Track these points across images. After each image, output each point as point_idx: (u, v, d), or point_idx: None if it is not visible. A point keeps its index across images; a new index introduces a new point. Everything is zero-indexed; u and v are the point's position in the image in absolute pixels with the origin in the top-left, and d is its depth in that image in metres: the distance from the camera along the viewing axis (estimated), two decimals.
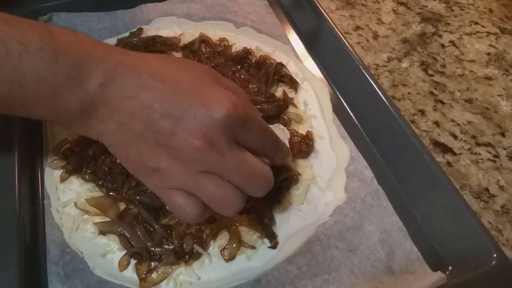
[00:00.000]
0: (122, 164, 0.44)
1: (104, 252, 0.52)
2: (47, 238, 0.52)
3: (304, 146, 0.63)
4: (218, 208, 0.41)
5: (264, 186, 0.44)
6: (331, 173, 0.61)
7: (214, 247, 0.53)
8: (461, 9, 0.93)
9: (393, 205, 0.57)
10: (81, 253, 0.52)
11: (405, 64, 0.80)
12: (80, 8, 0.78)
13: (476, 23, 0.90)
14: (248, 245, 0.53)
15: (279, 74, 0.71)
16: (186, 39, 0.76)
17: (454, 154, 0.67)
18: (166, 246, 0.52)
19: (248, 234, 0.54)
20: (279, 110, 0.66)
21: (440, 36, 0.86)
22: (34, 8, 0.76)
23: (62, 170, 0.58)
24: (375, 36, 0.85)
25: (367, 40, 0.84)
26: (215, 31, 0.78)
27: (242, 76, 0.70)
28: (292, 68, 0.73)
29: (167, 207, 0.47)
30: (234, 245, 0.53)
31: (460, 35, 0.87)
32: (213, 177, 0.40)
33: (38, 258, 0.51)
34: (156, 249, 0.52)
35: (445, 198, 0.56)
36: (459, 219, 0.54)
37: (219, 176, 0.40)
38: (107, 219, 0.54)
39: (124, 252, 0.52)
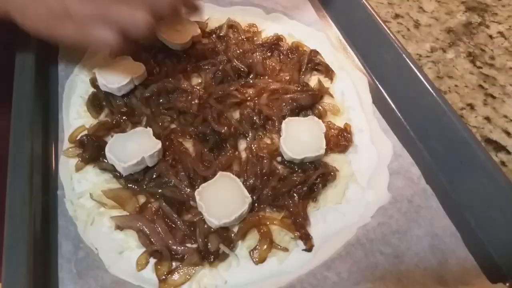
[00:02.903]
0: (34, 28, 0.48)
1: (121, 249, 0.47)
2: (60, 232, 0.48)
3: (342, 139, 0.57)
4: (129, 25, 0.46)
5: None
6: (372, 170, 0.55)
7: (242, 248, 0.48)
8: None
9: (443, 207, 0.51)
10: (96, 249, 0.47)
11: (450, 55, 0.73)
12: None
13: None
14: (280, 246, 0.48)
15: (313, 62, 0.65)
16: (212, 25, 0.71)
17: (508, 153, 0.61)
18: (189, 245, 0.47)
19: (280, 235, 0.49)
20: (314, 100, 0.60)
21: (487, 27, 0.79)
22: None
23: (78, 159, 0.53)
24: (417, 24, 0.78)
25: (408, 29, 0.77)
26: (243, 17, 0.73)
27: (273, 64, 0.65)
28: (327, 56, 0.67)
29: (90, 43, 0.52)
30: (265, 246, 0.47)
31: (510, 26, 0.79)
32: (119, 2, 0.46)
33: (49, 254, 0.47)
34: (178, 248, 0.46)
35: (503, 202, 0.50)
36: None
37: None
38: (125, 213, 0.49)
39: (143, 249, 0.47)
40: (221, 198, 0.48)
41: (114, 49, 0.51)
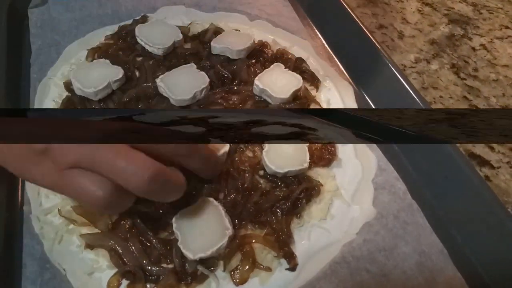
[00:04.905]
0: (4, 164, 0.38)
1: (91, 270, 0.44)
2: (24, 251, 0.44)
3: (325, 153, 0.55)
4: (122, 175, 0.35)
5: None
6: (357, 185, 0.53)
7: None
8: (490, 13, 0.86)
9: (429, 223, 0.50)
10: (64, 270, 0.44)
11: (434, 66, 0.72)
12: None
13: (507, 27, 0.83)
14: (263, 266, 0.45)
15: (298, 69, 0.63)
16: (195, 29, 0.69)
17: (492, 167, 0.60)
18: (164, 265, 0.44)
19: (263, 253, 0.46)
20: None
21: (470, 39, 0.79)
22: None
23: None
24: (401, 35, 0.77)
25: (392, 40, 0.76)
26: (226, 23, 0.71)
27: (258, 71, 0.63)
28: (312, 65, 0.65)
29: (68, 194, 0.37)
30: (247, 267, 0.44)
31: (491, 39, 0.80)
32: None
33: (12, 275, 0.43)
34: (153, 268, 0.43)
35: (490, 218, 0.49)
36: (508, 242, 0.47)
37: None
38: (96, 230, 0.46)
39: (115, 270, 0.44)
40: (200, 228, 0.45)
41: (106, 203, 0.36)
